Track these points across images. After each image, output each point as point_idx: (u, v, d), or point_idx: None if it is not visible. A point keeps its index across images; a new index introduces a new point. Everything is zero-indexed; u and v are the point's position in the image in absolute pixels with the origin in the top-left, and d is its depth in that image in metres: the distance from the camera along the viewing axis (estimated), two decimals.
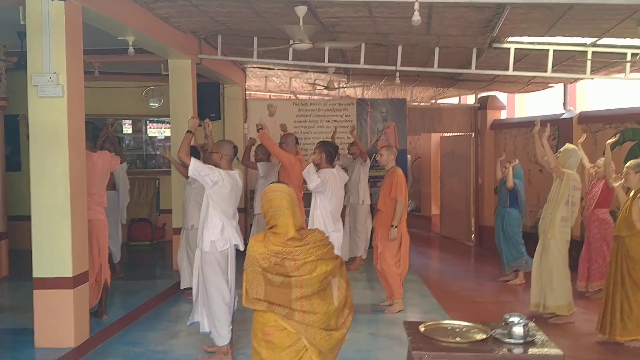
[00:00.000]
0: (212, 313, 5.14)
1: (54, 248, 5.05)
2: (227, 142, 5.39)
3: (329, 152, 6.61)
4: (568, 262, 6.56)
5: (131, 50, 6.64)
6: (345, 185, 7.46)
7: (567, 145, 6.86)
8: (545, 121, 7.02)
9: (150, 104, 11.23)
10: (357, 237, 9.04)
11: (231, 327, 5.21)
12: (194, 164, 4.94)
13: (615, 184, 6.10)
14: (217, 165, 5.16)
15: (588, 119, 9.49)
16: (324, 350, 3.05)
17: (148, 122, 11.45)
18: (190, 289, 6.99)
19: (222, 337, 5.14)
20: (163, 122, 11.29)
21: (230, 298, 5.20)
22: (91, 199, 5.76)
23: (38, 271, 5.07)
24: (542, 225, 6.60)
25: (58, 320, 5.06)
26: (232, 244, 5.15)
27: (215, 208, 5.05)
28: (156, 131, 11.49)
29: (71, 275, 5.06)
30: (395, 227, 6.61)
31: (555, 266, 6.45)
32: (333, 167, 6.72)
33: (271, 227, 3.12)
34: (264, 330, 3.03)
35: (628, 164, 5.83)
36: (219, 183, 5.00)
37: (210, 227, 5.06)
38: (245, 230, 9.93)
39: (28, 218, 5.15)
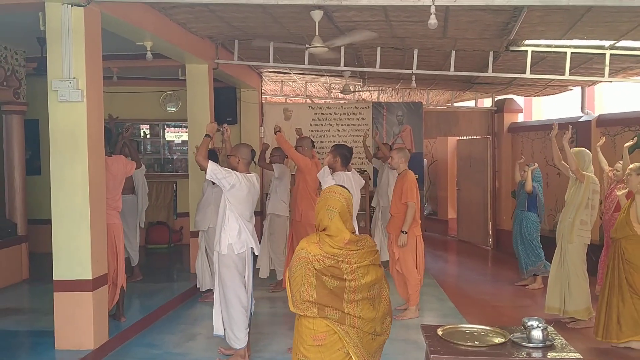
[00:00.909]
0: (229, 316, 5.17)
1: (74, 251, 5.11)
2: (245, 146, 5.43)
3: (343, 156, 6.55)
4: (586, 266, 6.51)
5: (149, 55, 6.71)
6: (363, 188, 7.46)
7: (577, 148, 6.81)
8: (565, 124, 6.98)
9: (168, 109, 11.33)
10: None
11: (248, 330, 5.24)
12: (211, 167, 4.98)
13: (619, 193, 6.08)
14: (234, 169, 5.20)
15: (606, 122, 9.41)
16: (367, 354, 3.04)
17: (165, 126, 11.54)
18: (209, 291, 7.10)
19: (239, 339, 5.17)
20: (180, 126, 11.37)
21: (247, 301, 5.23)
22: (106, 203, 5.84)
23: (58, 274, 5.14)
24: (561, 229, 6.54)
25: (78, 322, 5.13)
26: (248, 247, 5.18)
27: (232, 211, 5.09)
28: (174, 135, 11.58)
29: (90, 278, 5.12)
30: (405, 233, 6.55)
31: (574, 270, 6.40)
32: (348, 171, 6.71)
33: (323, 229, 3.06)
34: (315, 337, 2.97)
35: (631, 166, 5.83)
36: (236, 186, 5.04)
37: (228, 230, 5.10)
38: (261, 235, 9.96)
39: (48, 221, 5.23)
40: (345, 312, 2.97)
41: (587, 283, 6.46)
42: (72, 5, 4.94)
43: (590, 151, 6.84)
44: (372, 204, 9.60)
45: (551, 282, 6.62)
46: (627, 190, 6.12)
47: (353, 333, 2.98)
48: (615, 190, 6.96)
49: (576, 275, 6.40)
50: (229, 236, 5.08)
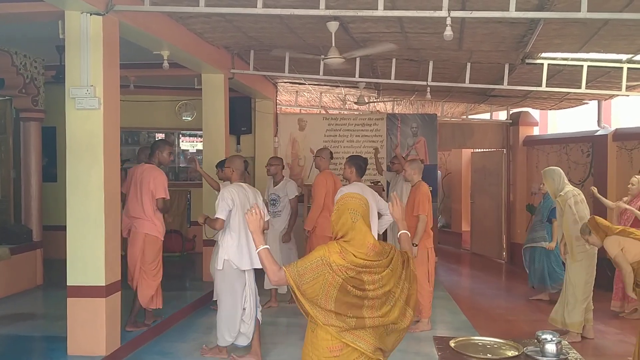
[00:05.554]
0: (219, 313, 5.43)
1: (88, 257, 5.13)
2: (238, 157, 5.72)
3: (358, 166, 6.46)
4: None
5: (166, 64, 6.77)
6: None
7: (546, 169, 6.83)
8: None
9: (183, 118, 11.41)
10: None
11: (251, 338, 5.41)
12: (219, 214, 5.22)
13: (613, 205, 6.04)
14: (228, 179, 5.69)
15: (623, 136, 9.34)
16: (387, 349, 2.96)
17: (181, 135, 11.63)
18: None
19: (221, 339, 5.42)
20: (195, 135, 11.44)
21: (240, 306, 5.38)
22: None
23: (72, 279, 5.16)
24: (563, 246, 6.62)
25: (90, 328, 5.14)
26: (252, 261, 5.28)
27: (229, 226, 5.30)
28: (189, 144, 11.65)
29: (104, 284, 5.14)
30: (416, 245, 6.48)
31: (577, 286, 6.38)
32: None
33: (342, 236, 2.93)
34: (331, 348, 2.86)
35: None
36: (235, 202, 5.28)
37: (225, 246, 5.31)
38: None
39: (63, 228, 5.25)
40: (364, 317, 2.85)
41: (581, 301, 6.37)
42: (91, 14, 4.99)
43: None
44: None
45: (560, 296, 6.65)
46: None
47: (369, 334, 2.87)
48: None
49: (573, 293, 6.38)
50: (226, 252, 5.29)
